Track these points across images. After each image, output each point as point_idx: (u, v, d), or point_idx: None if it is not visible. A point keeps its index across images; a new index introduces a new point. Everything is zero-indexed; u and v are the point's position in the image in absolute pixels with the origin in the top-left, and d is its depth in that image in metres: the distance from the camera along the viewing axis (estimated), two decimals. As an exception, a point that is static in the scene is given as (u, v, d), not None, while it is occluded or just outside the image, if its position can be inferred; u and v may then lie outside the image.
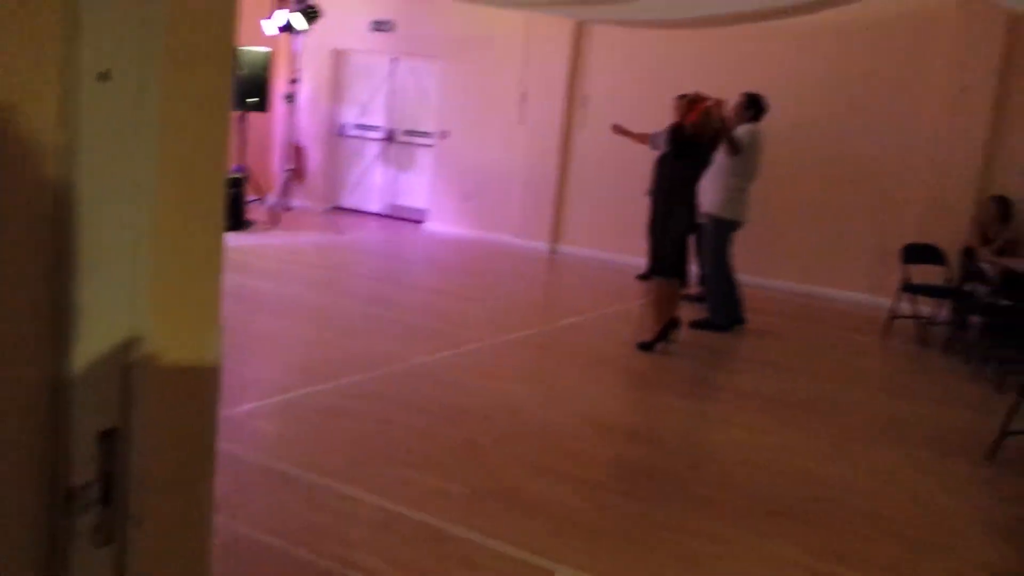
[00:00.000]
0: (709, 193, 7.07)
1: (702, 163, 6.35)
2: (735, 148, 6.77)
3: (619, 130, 8.80)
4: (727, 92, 8.88)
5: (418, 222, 12.02)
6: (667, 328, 6.37)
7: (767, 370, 6.18)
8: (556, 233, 10.87)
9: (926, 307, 7.90)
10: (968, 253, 8.10)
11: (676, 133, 6.19)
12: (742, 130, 6.93)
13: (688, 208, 6.29)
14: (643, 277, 8.87)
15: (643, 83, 10.08)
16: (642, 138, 8.81)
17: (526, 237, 10.94)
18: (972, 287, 7.66)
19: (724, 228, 7.04)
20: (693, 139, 6.23)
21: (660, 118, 9.55)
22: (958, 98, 8.42)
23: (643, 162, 10.08)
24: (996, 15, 8.15)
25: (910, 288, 7.72)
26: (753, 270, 9.04)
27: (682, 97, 6.73)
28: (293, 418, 4.31)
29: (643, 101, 10.07)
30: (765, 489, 4.05)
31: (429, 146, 11.94)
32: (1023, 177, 8.29)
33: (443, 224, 11.68)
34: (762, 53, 9.37)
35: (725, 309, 7.22)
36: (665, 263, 6.30)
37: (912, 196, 8.76)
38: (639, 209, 10.12)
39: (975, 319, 7.71)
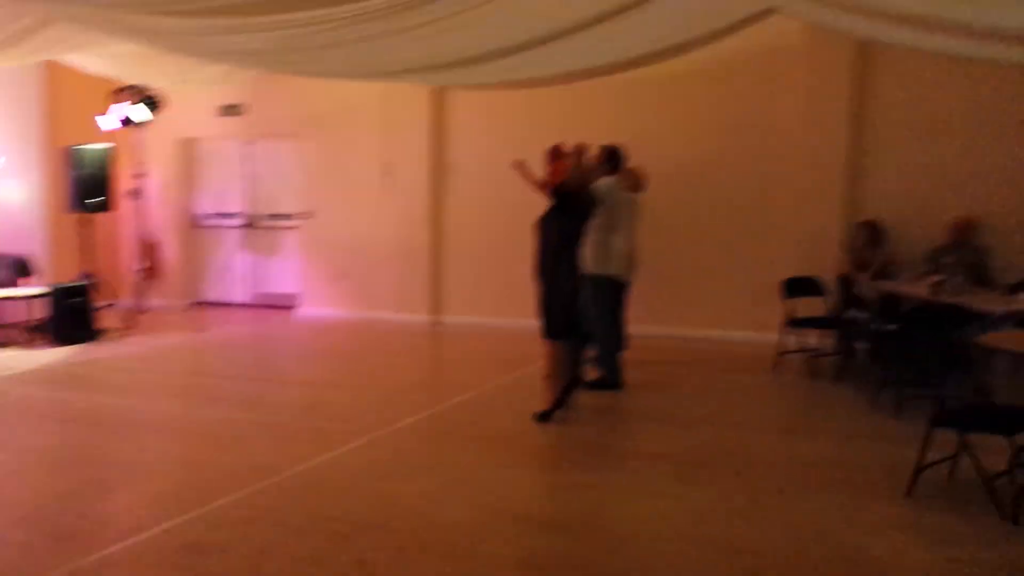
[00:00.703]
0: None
1: (584, 217, 6.11)
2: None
3: (520, 168, 8.52)
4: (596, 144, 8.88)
5: (289, 308, 11.42)
6: (563, 394, 6.04)
7: (669, 427, 5.91)
8: (436, 304, 10.49)
9: (813, 340, 7.90)
10: (845, 281, 8.16)
11: (558, 192, 5.93)
12: (601, 183, 6.78)
13: (573, 266, 6.04)
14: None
15: (511, 143, 9.79)
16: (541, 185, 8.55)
17: (405, 311, 10.51)
18: (853, 314, 7.68)
19: (597, 284, 6.82)
20: (575, 193, 5.99)
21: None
22: (813, 129, 8.56)
23: (519, 222, 9.85)
24: (843, 41, 8.34)
25: (794, 322, 7.67)
26: (644, 320, 8.89)
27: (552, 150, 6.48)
28: (149, 565, 3.71)
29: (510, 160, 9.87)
30: (692, 565, 3.71)
31: (293, 228, 11.41)
32: (888, 200, 8.45)
33: (316, 307, 11.13)
34: (627, 102, 9.35)
35: (618, 363, 6.98)
36: (554, 326, 5.99)
37: (784, 230, 8.82)
38: (520, 271, 9.89)
39: (860, 346, 7.73)
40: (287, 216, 11.52)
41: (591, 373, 6.83)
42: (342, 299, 11.00)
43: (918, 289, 7.00)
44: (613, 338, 6.95)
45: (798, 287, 7.83)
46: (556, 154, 6.02)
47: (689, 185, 8.95)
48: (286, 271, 11.63)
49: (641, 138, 9.09)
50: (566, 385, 6.05)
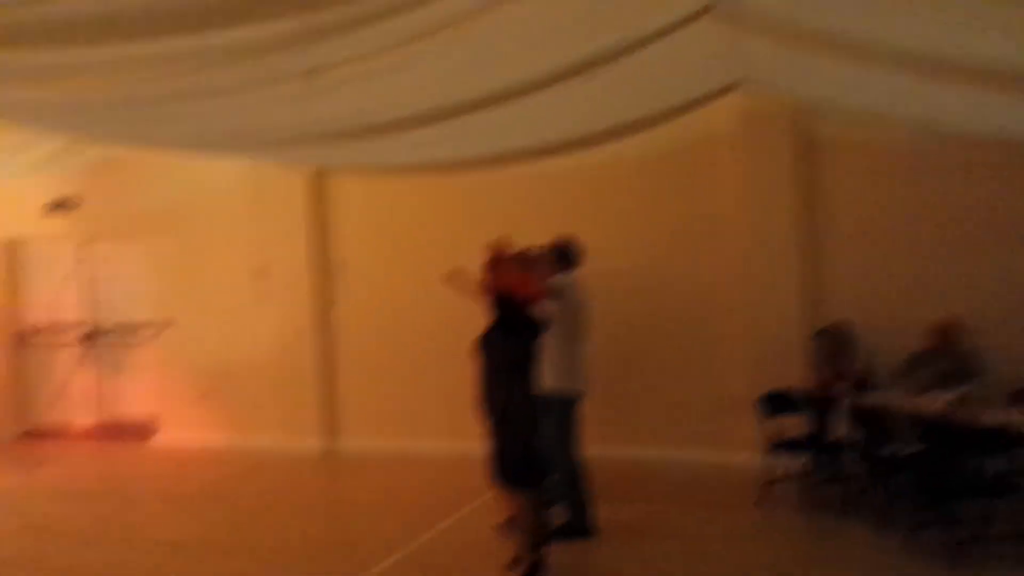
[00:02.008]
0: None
1: (536, 333, 4.74)
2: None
3: (458, 280, 7.12)
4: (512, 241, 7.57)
5: (143, 437, 9.42)
6: (538, 560, 4.55)
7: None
8: (329, 427, 8.77)
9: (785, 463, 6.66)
10: (818, 396, 7.07)
11: (503, 306, 4.55)
12: (558, 282, 5.51)
13: (528, 392, 4.64)
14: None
15: (407, 237, 8.52)
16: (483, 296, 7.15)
17: (290, 437, 8.75)
18: (847, 436, 6.55)
19: (564, 406, 5.46)
20: (522, 304, 4.63)
21: (429, 277, 7.91)
22: (760, 225, 7.57)
23: (424, 327, 8.44)
24: (783, 127, 7.48)
25: (780, 445, 6.46)
26: (589, 439, 7.55)
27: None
28: None
29: (407, 260, 8.48)
30: None
31: (146, 341, 9.52)
32: (853, 303, 7.49)
33: (178, 434, 9.20)
34: (547, 195, 8.14)
35: (589, 506, 5.57)
36: (516, 471, 4.53)
37: (737, 339, 7.67)
38: (429, 382, 8.43)
39: (852, 471, 6.58)
40: (138, 327, 9.63)
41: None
42: (209, 424, 9.13)
43: (928, 404, 5.94)
44: (579, 470, 5.55)
45: (776, 403, 6.66)
46: (499, 258, 4.65)
47: (627, 290, 7.70)
48: (138, 391, 9.66)
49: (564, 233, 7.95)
50: (536, 543, 4.58)
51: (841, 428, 6.69)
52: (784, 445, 6.46)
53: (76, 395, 9.85)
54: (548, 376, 5.40)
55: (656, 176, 7.89)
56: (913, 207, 7.33)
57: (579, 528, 5.49)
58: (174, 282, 9.27)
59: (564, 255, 5.80)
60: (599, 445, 7.26)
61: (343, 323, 8.79)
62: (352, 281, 8.71)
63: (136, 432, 9.55)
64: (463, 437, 8.09)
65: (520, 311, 4.58)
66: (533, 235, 7.77)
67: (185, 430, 9.19)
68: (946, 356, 6.98)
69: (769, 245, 7.55)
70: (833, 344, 7.15)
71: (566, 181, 8.01)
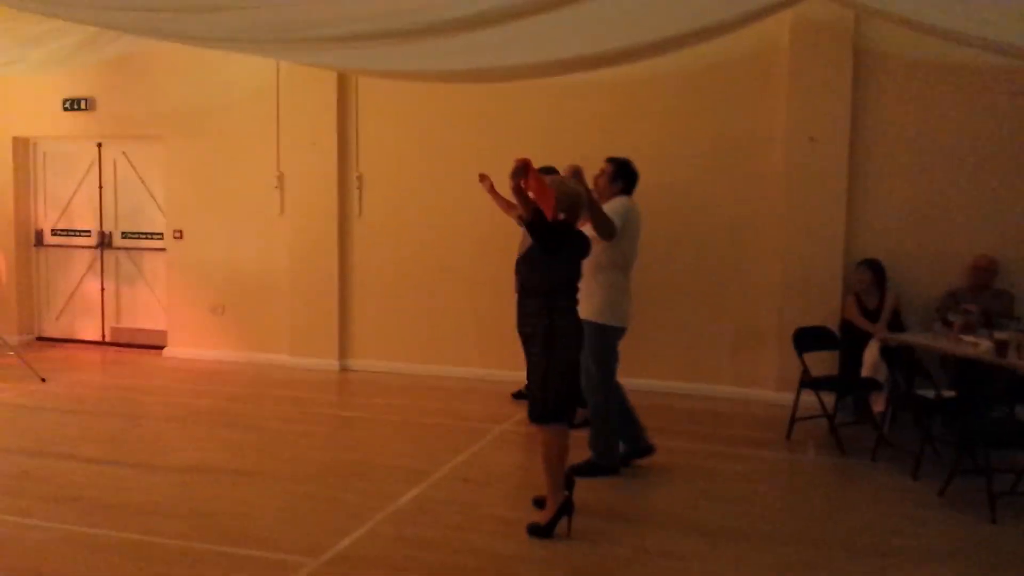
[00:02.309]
0: (581, 295, 5.27)
1: (581, 254, 4.47)
2: (609, 230, 5.01)
3: (485, 181, 6.93)
4: (539, 159, 7.26)
5: (156, 348, 9.29)
6: (566, 500, 4.39)
7: (716, 547, 4.32)
8: (344, 346, 8.61)
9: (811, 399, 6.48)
10: (851, 332, 6.87)
11: (538, 228, 4.26)
12: (613, 206, 5.19)
13: (574, 320, 4.41)
14: (520, 395, 7.04)
15: (432, 153, 8.21)
16: (506, 203, 6.94)
17: (304, 354, 8.60)
18: (878, 377, 6.37)
19: (608, 338, 5.23)
20: (563, 225, 4.34)
21: (454, 195, 7.75)
22: (807, 150, 7.23)
23: (448, 247, 8.20)
24: (838, 45, 7.08)
25: (812, 383, 6.27)
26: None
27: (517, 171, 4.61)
28: None
29: (433, 176, 8.21)
30: None
31: (160, 250, 9.30)
32: (885, 236, 7.20)
33: (190, 348, 9.07)
34: (579, 109, 7.81)
35: (617, 442, 5.40)
36: (555, 405, 4.33)
37: (769, 269, 7.43)
38: (447, 307, 8.23)
39: (881, 410, 6.41)
40: (152, 235, 9.41)
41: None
42: (221, 338, 8.98)
43: (968, 348, 5.73)
44: (615, 408, 5.36)
45: (810, 340, 6.45)
46: (529, 173, 4.27)
47: (659, 213, 7.37)
48: (151, 302, 9.49)
49: (597, 156, 7.59)
50: (567, 481, 4.42)
51: (874, 366, 6.53)
52: (816, 382, 6.28)
53: (89, 302, 9.68)
54: (593, 305, 5.17)
55: (697, 91, 7.57)
56: (962, 132, 7.02)
57: (603, 467, 5.34)
58: (190, 188, 9.00)
59: (625, 173, 5.39)
60: (621, 377, 7.16)
61: (359, 242, 8.54)
62: (374, 196, 8.42)
63: (146, 344, 9.41)
64: (485, 363, 8.05)
65: (563, 230, 4.30)
66: (563, 150, 7.51)
67: (197, 344, 9.04)
68: (982, 296, 6.76)
69: (814, 168, 7.23)
70: (871, 277, 6.90)
71: (600, 94, 7.71)
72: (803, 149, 7.23)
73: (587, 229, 4.88)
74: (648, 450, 5.47)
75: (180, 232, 9.03)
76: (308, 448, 5.86)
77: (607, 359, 5.27)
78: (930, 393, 5.59)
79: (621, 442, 5.45)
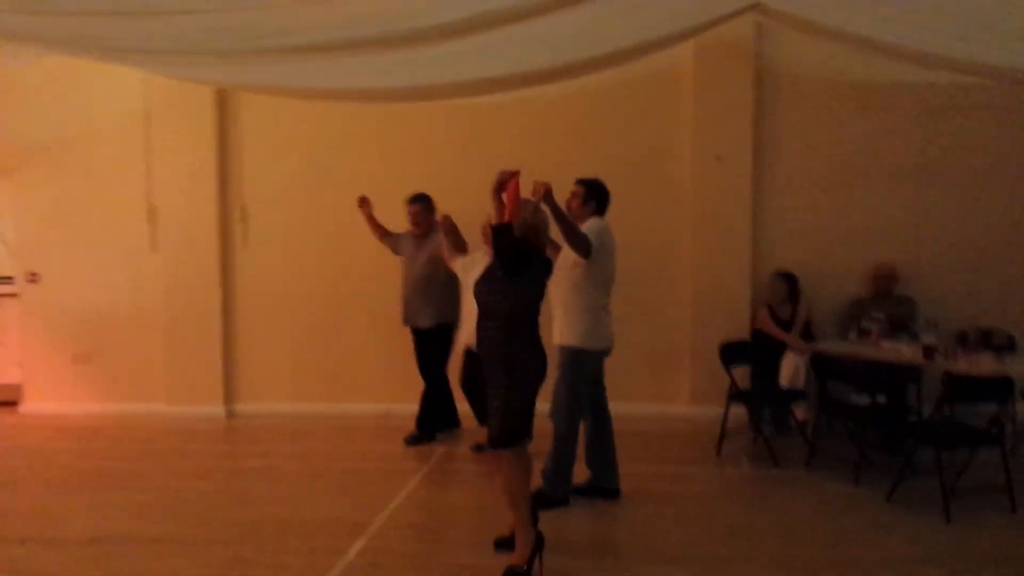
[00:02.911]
0: (560, 319, 5.00)
1: (544, 278, 4.19)
2: (584, 246, 4.79)
3: (365, 206, 6.66)
4: (439, 183, 6.97)
5: (7, 404, 8.28)
6: (538, 538, 4.08)
7: (692, 572, 4.12)
8: (230, 390, 7.93)
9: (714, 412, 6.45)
10: (761, 340, 6.92)
11: (503, 239, 3.98)
12: (589, 227, 4.97)
13: (536, 345, 4.12)
14: (480, 448, 6.35)
15: (322, 180, 7.75)
16: (381, 231, 6.73)
17: (184, 402, 7.86)
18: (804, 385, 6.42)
19: (584, 363, 4.99)
20: (527, 245, 4.07)
21: (347, 222, 7.23)
22: (714, 168, 7.28)
23: (343, 277, 7.70)
24: (740, 64, 7.19)
25: (742, 395, 6.24)
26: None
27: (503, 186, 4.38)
28: None
29: (324, 203, 7.73)
30: None
31: (10, 295, 8.32)
32: (791, 249, 7.34)
33: (51, 402, 8.13)
34: (481, 130, 7.57)
35: (571, 472, 5.14)
36: (510, 426, 4.02)
37: (683, 285, 7.41)
38: (346, 340, 7.72)
39: (800, 419, 6.47)
40: (2, 278, 8.42)
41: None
42: (88, 389, 8.08)
43: (891, 354, 5.84)
44: (575, 437, 5.09)
45: (736, 353, 6.42)
46: (513, 181, 4.06)
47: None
48: (3, 352, 8.47)
49: (490, 177, 7.37)
50: (531, 511, 4.11)
51: (791, 376, 6.59)
52: (747, 395, 6.26)
53: (-80, 360, 8.54)
54: (573, 329, 4.92)
55: (603, 110, 7.51)
56: (860, 148, 7.26)
57: (560, 498, 5.06)
58: (48, 225, 8.08)
59: (598, 194, 5.17)
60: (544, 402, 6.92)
61: (244, 275, 7.92)
62: (259, 226, 7.85)
63: (2, 398, 8.38)
64: (388, 398, 7.57)
65: (528, 249, 4.01)
66: (458, 171, 7.31)
67: (60, 396, 8.10)
68: (886, 303, 6.97)
69: (720, 185, 7.29)
70: (784, 288, 6.98)
71: (504, 114, 7.48)
72: (709, 167, 7.28)
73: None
74: (614, 493, 5.21)
75: (35, 275, 8.09)
76: (221, 507, 5.24)
77: (579, 384, 5.03)
78: (862, 399, 5.66)
79: (591, 472, 5.20)
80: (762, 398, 6.46)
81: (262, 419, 7.70)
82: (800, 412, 6.54)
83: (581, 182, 5.22)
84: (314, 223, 7.78)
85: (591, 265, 4.88)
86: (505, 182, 4.04)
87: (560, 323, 5.04)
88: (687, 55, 7.23)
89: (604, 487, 5.20)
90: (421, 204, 6.63)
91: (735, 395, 6.21)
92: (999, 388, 4.83)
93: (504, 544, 4.30)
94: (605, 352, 5.09)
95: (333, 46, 4.89)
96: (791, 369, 6.62)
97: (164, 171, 7.81)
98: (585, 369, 4.98)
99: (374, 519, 4.89)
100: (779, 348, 6.79)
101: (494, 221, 3.99)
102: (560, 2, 4.69)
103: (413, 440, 6.69)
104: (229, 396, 7.90)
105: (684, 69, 7.32)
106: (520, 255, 3.99)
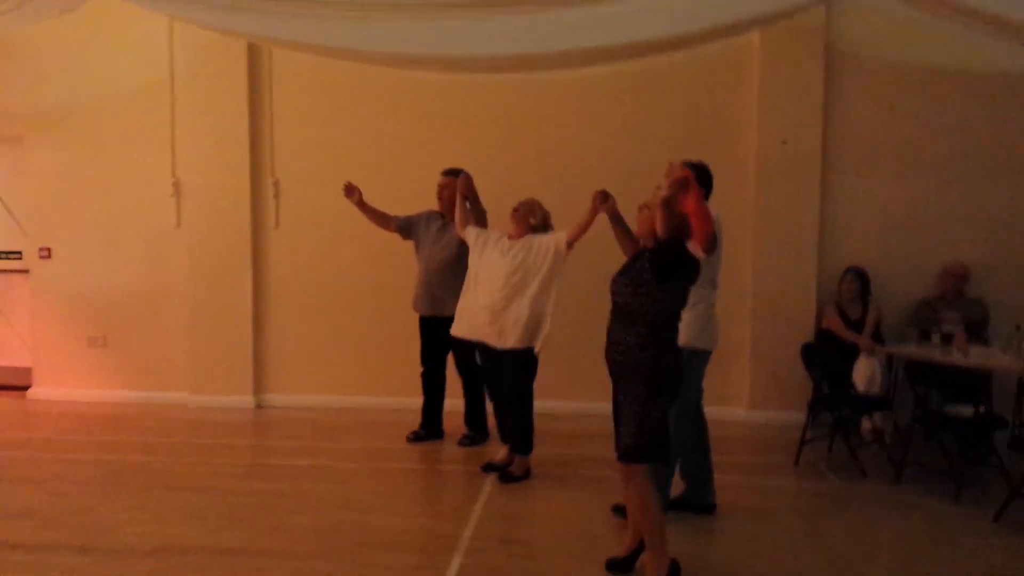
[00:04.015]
0: None
1: (693, 282, 3.80)
2: (713, 243, 4.38)
3: (353, 194, 6.06)
4: (479, 160, 6.52)
5: (17, 389, 7.74)
6: (673, 567, 3.72)
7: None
8: (260, 380, 7.46)
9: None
10: (828, 341, 6.59)
11: (670, 248, 3.57)
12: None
13: (678, 353, 3.75)
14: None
15: (360, 155, 7.25)
16: (383, 219, 6.20)
17: (211, 391, 7.39)
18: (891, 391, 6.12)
19: (700, 363, 4.63)
20: (681, 245, 3.66)
21: (389, 201, 6.67)
22: (780, 152, 6.93)
23: (381, 262, 7.23)
24: (810, 44, 6.83)
25: (829, 402, 5.92)
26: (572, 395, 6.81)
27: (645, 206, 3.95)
28: None
29: (363, 181, 7.05)
30: None
31: (19, 272, 7.77)
32: (858, 243, 7.02)
33: (63, 387, 7.61)
34: (530, 108, 7.15)
35: (711, 475, 4.84)
36: (646, 439, 3.64)
37: (743, 279, 7.04)
38: (384, 330, 7.26)
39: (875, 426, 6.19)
40: (10, 255, 7.85)
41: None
42: (103, 375, 7.58)
43: (995, 361, 5.52)
44: (702, 436, 4.75)
45: (816, 355, 6.09)
46: (691, 189, 3.64)
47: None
48: (7, 335, 7.91)
49: (543, 156, 7.01)
50: (662, 533, 3.74)
51: (867, 382, 6.28)
52: (833, 401, 5.93)
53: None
54: (687, 328, 4.50)
55: (663, 91, 7.09)
56: (928, 137, 6.95)
57: (705, 502, 4.75)
58: (62, 198, 7.56)
59: (707, 178, 4.68)
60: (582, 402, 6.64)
61: (275, 256, 7.44)
62: (293, 205, 7.37)
63: (6, 382, 7.84)
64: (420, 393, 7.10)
65: (679, 248, 3.61)
66: (503, 152, 6.89)
67: (73, 382, 7.59)
68: (958, 304, 6.68)
69: (786, 171, 6.93)
70: (857, 285, 6.67)
71: (558, 92, 7.10)
72: (775, 151, 6.92)
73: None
74: (710, 508, 4.85)
75: (48, 250, 7.55)
76: (284, 512, 4.80)
77: (695, 386, 4.65)
78: (961, 410, 5.37)
79: (686, 483, 4.85)
80: (848, 404, 6.11)
81: (294, 411, 7.25)
82: (872, 421, 6.25)
83: (688, 165, 4.79)
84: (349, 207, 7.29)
85: (707, 260, 4.50)
86: (681, 190, 3.58)
87: None
88: (754, 34, 6.86)
89: (700, 502, 4.84)
90: (453, 178, 5.99)
91: (819, 401, 5.88)
92: None
93: (619, 567, 3.94)
94: (711, 350, 4.72)
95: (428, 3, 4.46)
96: (867, 374, 6.31)
97: (190, 141, 7.32)
98: (699, 368, 4.61)
99: (462, 531, 4.48)
100: (849, 350, 6.48)
101: (660, 230, 3.54)
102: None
103: (467, 441, 6.28)
104: (259, 386, 7.44)
105: (751, 48, 6.94)
106: (682, 262, 3.60)
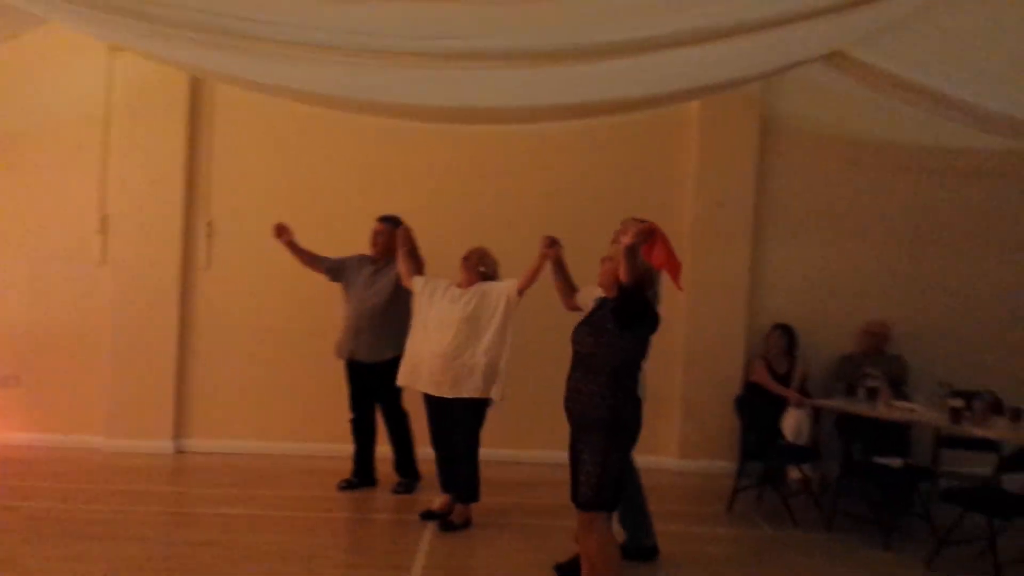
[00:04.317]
0: None
1: (654, 331, 3.87)
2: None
3: (284, 234, 5.97)
4: (420, 209, 6.54)
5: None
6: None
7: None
8: (180, 424, 7.20)
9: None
10: (755, 394, 6.79)
11: (633, 296, 3.64)
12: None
13: (638, 402, 3.81)
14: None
15: (299, 199, 7.17)
16: (313, 260, 6.12)
17: (127, 435, 7.08)
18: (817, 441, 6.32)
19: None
20: (643, 295, 3.74)
21: (324, 246, 6.59)
22: (714, 214, 7.17)
23: (316, 306, 7.10)
24: (746, 112, 7.14)
25: (764, 452, 6.07)
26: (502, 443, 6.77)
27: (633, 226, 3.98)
28: None
29: (299, 225, 7.03)
30: None
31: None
32: (782, 301, 7.29)
33: (-32, 431, 7.16)
34: (473, 156, 7.22)
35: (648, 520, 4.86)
36: (607, 488, 3.67)
37: (675, 334, 7.15)
38: (315, 376, 7.10)
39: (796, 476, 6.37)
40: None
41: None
42: (11, 417, 7.18)
43: (907, 414, 5.78)
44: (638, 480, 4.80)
45: (748, 405, 6.26)
46: (658, 238, 3.73)
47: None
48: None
49: (505, 204, 7.10)
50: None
51: (795, 433, 6.48)
52: (761, 451, 6.08)
53: None
54: None
55: (606, 150, 7.28)
56: (856, 204, 7.33)
57: (648, 548, 4.77)
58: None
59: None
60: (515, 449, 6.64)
61: (204, 297, 7.24)
62: (226, 245, 7.22)
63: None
64: (346, 439, 6.94)
65: (642, 296, 3.68)
66: (449, 199, 6.95)
67: (-23, 424, 7.17)
68: (879, 361, 6.98)
69: (720, 231, 7.17)
70: (783, 340, 6.90)
71: (501, 144, 7.15)
72: (711, 213, 7.16)
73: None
74: (652, 552, 4.88)
75: (-46, 285, 7.18)
76: (225, 563, 4.61)
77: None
78: (894, 462, 5.58)
79: (625, 531, 4.87)
80: (779, 454, 6.28)
81: (217, 457, 7.01)
82: (798, 471, 6.43)
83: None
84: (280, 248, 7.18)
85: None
86: (647, 243, 3.66)
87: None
88: (694, 102, 7.12)
89: (641, 545, 4.87)
90: (387, 225, 6.06)
91: (752, 451, 6.03)
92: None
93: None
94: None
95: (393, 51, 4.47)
96: (794, 425, 6.51)
97: (122, 176, 7.09)
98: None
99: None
100: (777, 403, 6.67)
101: (624, 277, 3.61)
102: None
103: (401, 488, 6.19)
104: (180, 430, 7.17)
105: (690, 114, 7.21)
106: (645, 311, 3.67)
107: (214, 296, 7.22)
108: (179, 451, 7.12)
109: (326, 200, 7.13)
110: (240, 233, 7.20)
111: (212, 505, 5.72)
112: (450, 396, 5.20)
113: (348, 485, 6.18)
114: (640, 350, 3.81)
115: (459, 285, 5.39)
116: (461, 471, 5.35)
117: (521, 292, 5.19)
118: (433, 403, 5.40)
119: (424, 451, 6.02)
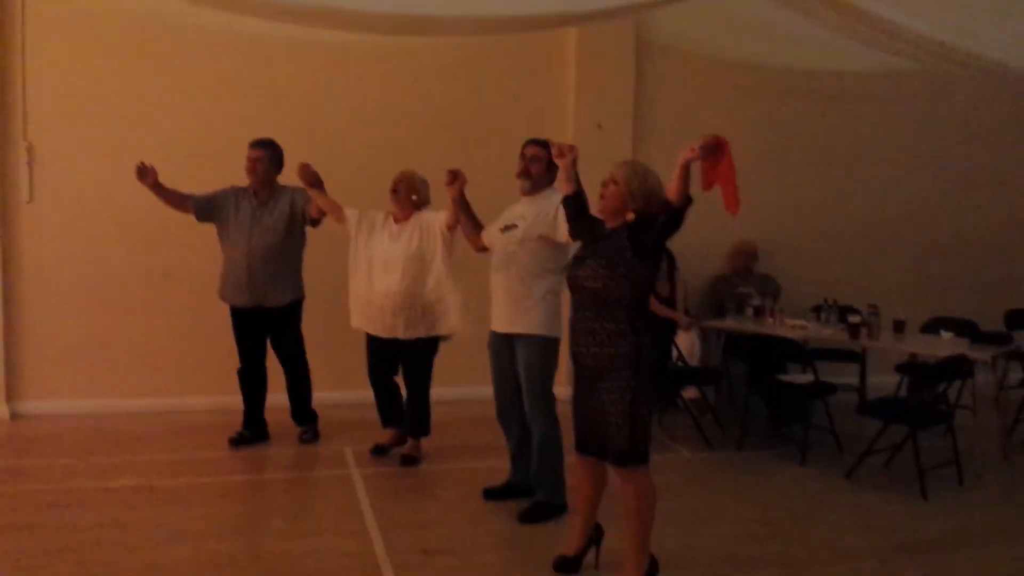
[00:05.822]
0: (514, 304, 4.45)
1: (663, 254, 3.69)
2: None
3: (148, 176, 5.21)
4: (291, 130, 5.91)
5: None
6: (652, 563, 3.58)
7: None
8: (13, 385, 6.18)
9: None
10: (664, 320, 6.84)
11: (679, 216, 3.40)
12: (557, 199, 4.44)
13: (655, 334, 3.62)
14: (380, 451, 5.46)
15: (136, 117, 6.28)
16: (179, 200, 5.39)
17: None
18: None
19: (555, 353, 4.56)
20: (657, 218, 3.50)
21: (171, 174, 5.63)
22: (595, 136, 7.02)
23: (162, 244, 6.25)
24: (623, 34, 7.01)
25: (664, 375, 6.11)
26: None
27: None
28: None
29: (139, 149, 5.98)
30: None
31: None
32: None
33: None
34: (348, 71, 6.63)
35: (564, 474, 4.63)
36: (640, 439, 3.46)
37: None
38: (170, 322, 6.28)
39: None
40: None
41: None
42: None
43: (797, 331, 6.03)
44: (559, 433, 4.57)
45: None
46: (726, 154, 3.47)
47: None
48: None
49: (350, 125, 6.55)
50: (647, 537, 3.58)
51: (688, 354, 6.59)
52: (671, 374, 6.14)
53: None
54: (534, 316, 4.44)
55: (485, 69, 6.90)
56: (731, 125, 7.36)
57: (559, 503, 4.52)
58: None
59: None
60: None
61: (35, 235, 6.18)
62: (51, 175, 6.15)
63: None
64: (212, 391, 6.27)
65: (657, 224, 3.43)
66: (328, 117, 6.40)
67: None
68: (751, 279, 7.23)
69: (601, 155, 6.99)
70: (669, 265, 6.93)
71: (368, 58, 6.62)
72: (591, 134, 6.99)
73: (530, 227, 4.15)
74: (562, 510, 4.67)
75: None
76: (148, 546, 3.96)
77: (552, 375, 4.48)
78: (803, 378, 5.78)
79: (516, 475, 4.72)
80: (681, 376, 6.36)
81: (64, 420, 6.08)
82: (696, 391, 6.55)
83: (539, 143, 4.60)
84: (127, 174, 6.18)
85: (561, 248, 4.36)
86: (714, 152, 3.38)
87: (513, 309, 4.43)
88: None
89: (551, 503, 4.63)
90: (266, 151, 5.37)
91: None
92: (956, 367, 5.13)
93: (568, 566, 3.73)
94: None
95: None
96: (687, 347, 6.61)
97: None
98: (555, 359, 4.47)
99: (372, 548, 3.99)
100: (665, 324, 6.73)
101: (675, 196, 3.34)
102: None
103: (309, 436, 5.68)
104: (12, 392, 6.15)
105: (567, 35, 7.00)
106: (652, 232, 3.44)
107: (42, 234, 6.17)
108: (14, 415, 6.11)
109: (177, 120, 6.24)
110: (68, 159, 6.15)
111: (92, 479, 4.92)
112: (404, 338, 4.82)
113: (241, 439, 5.56)
114: (654, 278, 3.59)
115: (395, 219, 4.95)
116: (413, 406, 5.16)
117: (451, 228, 4.80)
118: (381, 342, 5.05)
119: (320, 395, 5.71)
